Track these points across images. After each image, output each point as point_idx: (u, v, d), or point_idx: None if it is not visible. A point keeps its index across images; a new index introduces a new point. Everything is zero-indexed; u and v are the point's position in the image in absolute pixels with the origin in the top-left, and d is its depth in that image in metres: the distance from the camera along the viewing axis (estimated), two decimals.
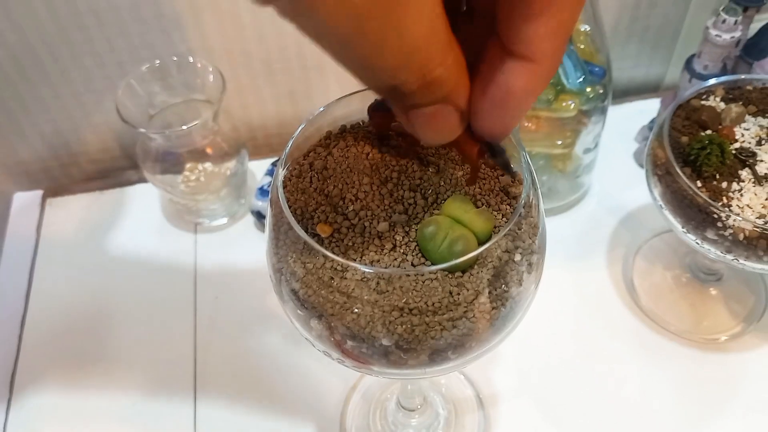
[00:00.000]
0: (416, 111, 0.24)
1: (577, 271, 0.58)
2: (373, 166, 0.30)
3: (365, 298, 0.27)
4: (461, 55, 0.23)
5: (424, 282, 0.27)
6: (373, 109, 0.30)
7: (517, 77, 0.24)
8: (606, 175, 0.65)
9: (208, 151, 0.58)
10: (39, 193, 0.65)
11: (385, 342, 0.27)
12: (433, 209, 0.29)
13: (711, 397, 0.50)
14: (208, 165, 0.59)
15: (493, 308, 0.28)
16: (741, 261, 0.43)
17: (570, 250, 0.59)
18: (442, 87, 0.23)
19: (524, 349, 0.53)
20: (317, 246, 0.27)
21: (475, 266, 0.27)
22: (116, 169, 0.69)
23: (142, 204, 0.64)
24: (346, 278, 0.27)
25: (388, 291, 0.27)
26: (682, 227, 0.45)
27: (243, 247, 0.61)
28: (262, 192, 0.59)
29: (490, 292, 0.28)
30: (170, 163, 0.58)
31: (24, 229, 0.63)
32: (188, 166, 0.58)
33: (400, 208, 0.29)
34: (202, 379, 0.52)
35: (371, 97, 0.33)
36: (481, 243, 0.27)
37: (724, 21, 0.55)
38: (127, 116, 0.53)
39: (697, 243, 0.45)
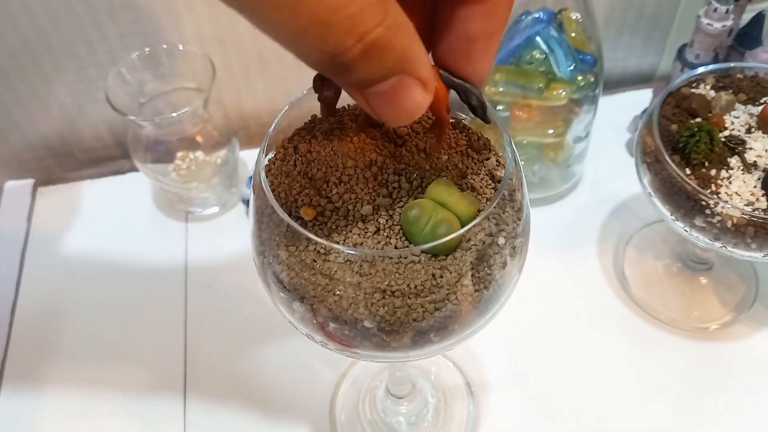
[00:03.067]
0: (372, 90, 0.22)
1: (569, 260, 0.58)
2: (357, 150, 0.30)
3: (348, 280, 0.27)
4: (403, 15, 0.22)
5: (407, 265, 0.27)
6: (320, 80, 0.28)
7: (474, 22, 0.24)
8: (598, 165, 0.65)
9: (199, 139, 0.58)
10: (30, 181, 0.65)
11: (367, 324, 0.27)
12: (418, 193, 0.29)
13: (701, 386, 0.51)
14: (199, 154, 0.59)
15: (476, 291, 0.28)
16: (729, 248, 0.43)
17: (561, 239, 0.59)
18: (388, 52, 0.21)
19: (514, 338, 0.53)
20: (300, 228, 0.27)
21: (459, 249, 0.27)
22: (108, 158, 0.69)
23: (134, 193, 0.64)
24: (329, 261, 0.27)
25: (370, 273, 0.27)
26: (671, 215, 0.45)
27: (234, 236, 0.61)
28: None
29: (473, 275, 0.28)
30: (161, 152, 0.58)
31: (15, 217, 0.63)
32: (179, 154, 0.58)
33: (385, 191, 0.29)
34: (191, 367, 0.52)
35: None
36: (465, 226, 0.27)
37: (715, 10, 0.55)
38: (117, 104, 0.53)
39: (685, 231, 0.45)
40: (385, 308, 0.27)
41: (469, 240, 0.27)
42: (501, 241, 0.28)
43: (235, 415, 0.50)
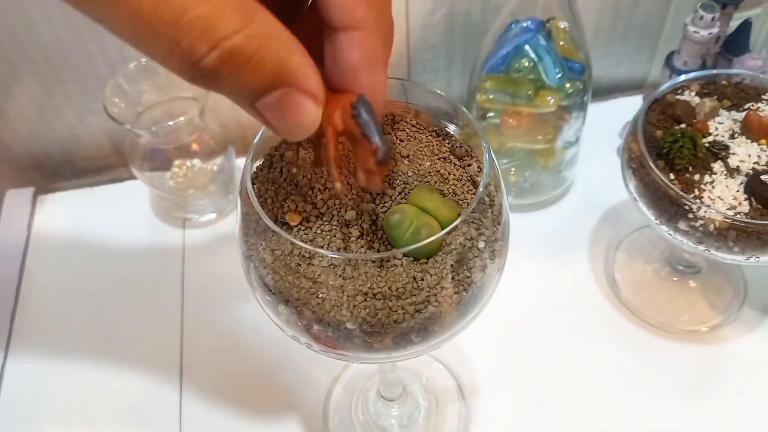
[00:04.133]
0: (260, 104, 0.22)
1: (559, 265, 0.59)
2: (342, 157, 0.31)
3: (331, 283, 0.28)
4: (277, 25, 0.21)
5: (388, 268, 0.28)
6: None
7: (352, 50, 0.24)
8: (589, 171, 0.66)
9: (195, 147, 0.59)
10: (30, 190, 0.66)
11: (349, 326, 0.28)
12: (401, 198, 0.30)
13: (691, 388, 0.51)
14: (195, 161, 0.60)
15: (456, 293, 0.29)
16: (712, 251, 0.44)
17: (552, 244, 0.60)
18: (259, 63, 0.21)
19: (506, 342, 0.54)
20: (284, 234, 0.28)
21: (439, 253, 0.28)
22: (107, 167, 0.70)
23: (132, 200, 0.65)
24: (312, 264, 0.28)
25: (353, 277, 0.28)
26: (656, 219, 0.46)
27: (231, 242, 0.61)
28: None
29: (453, 278, 0.29)
30: (158, 160, 0.59)
31: (15, 225, 0.64)
32: (176, 162, 0.59)
33: (368, 197, 0.30)
34: (188, 371, 0.53)
35: None
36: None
37: (701, 17, 0.56)
38: (115, 114, 0.54)
39: (670, 234, 0.45)
40: (367, 310, 0.28)
41: (449, 244, 0.28)
42: (481, 244, 0.29)
43: (230, 419, 0.50)
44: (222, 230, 0.63)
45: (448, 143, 0.33)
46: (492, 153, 0.30)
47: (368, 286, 0.27)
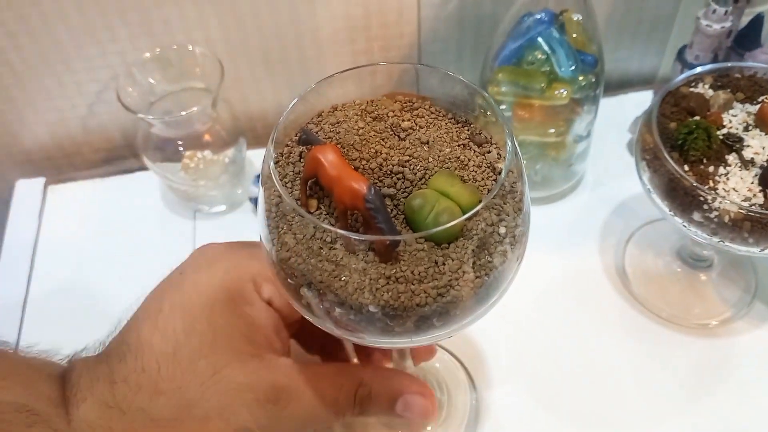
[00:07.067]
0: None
1: (571, 257, 0.59)
2: (363, 141, 0.31)
3: (353, 266, 0.28)
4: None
5: (411, 252, 0.28)
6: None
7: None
8: (600, 165, 0.66)
9: (207, 138, 0.59)
10: (41, 180, 0.66)
11: (371, 309, 0.28)
12: (421, 184, 0.30)
13: (701, 382, 0.51)
14: (207, 153, 0.60)
15: (477, 278, 0.29)
16: (727, 243, 0.44)
17: (563, 237, 0.60)
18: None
19: (517, 334, 0.54)
20: (308, 216, 0.28)
21: (461, 238, 0.28)
22: (118, 157, 0.70)
23: (143, 191, 0.65)
24: (335, 248, 0.28)
25: (375, 260, 0.28)
26: (670, 211, 0.46)
27: (241, 234, 0.60)
28: (260, 179, 0.60)
29: (474, 263, 0.29)
30: (170, 151, 0.59)
31: (26, 215, 0.64)
32: (187, 153, 0.59)
33: (389, 181, 0.30)
34: None
35: (363, 75, 0.34)
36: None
37: (714, 11, 0.56)
38: (128, 103, 0.54)
39: (684, 226, 0.46)
40: (389, 293, 0.28)
41: (471, 229, 0.28)
42: (502, 230, 0.29)
43: None
44: (232, 222, 0.63)
45: (468, 130, 0.33)
46: (514, 139, 0.30)
47: (391, 269, 0.27)
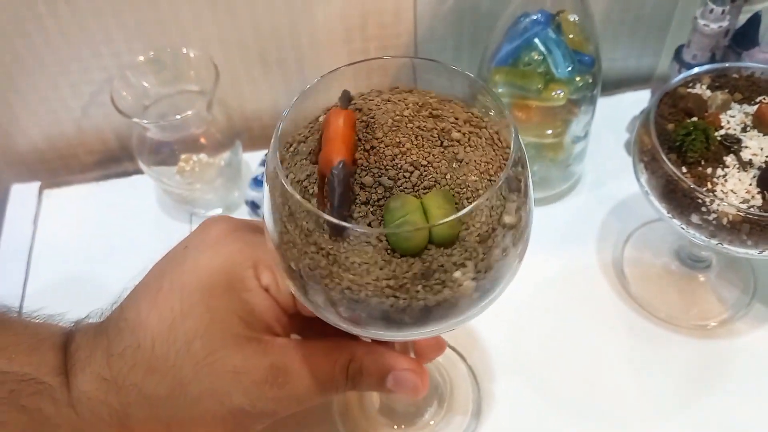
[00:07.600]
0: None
1: (569, 258, 0.59)
2: (393, 127, 0.30)
3: (357, 260, 0.27)
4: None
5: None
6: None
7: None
8: (597, 165, 0.65)
9: (202, 141, 0.59)
10: (36, 184, 0.66)
11: (374, 304, 0.28)
12: (420, 192, 0.29)
13: (699, 383, 0.51)
14: (202, 156, 0.60)
15: (477, 274, 0.28)
16: (725, 245, 0.44)
17: (561, 237, 0.60)
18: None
19: (517, 333, 0.54)
20: (314, 209, 0.27)
21: (462, 234, 0.28)
22: (113, 161, 0.70)
23: (138, 195, 0.65)
24: (338, 242, 0.28)
25: (378, 252, 0.27)
26: (668, 212, 0.46)
27: None
28: (256, 182, 0.60)
29: (475, 260, 0.28)
30: (165, 154, 0.59)
31: (21, 219, 0.64)
32: (183, 156, 0.59)
33: (393, 173, 0.29)
34: None
35: (364, 70, 0.33)
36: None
37: (711, 11, 0.55)
38: (122, 107, 0.54)
39: (682, 228, 0.45)
40: (392, 289, 0.27)
41: (472, 226, 0.28)
42: (505, 223, 0.29)
43: None
44: None
45: (504, 160, 0.30)
46: (519, 136, 0.30)
47: (394, 264, 0.27)
